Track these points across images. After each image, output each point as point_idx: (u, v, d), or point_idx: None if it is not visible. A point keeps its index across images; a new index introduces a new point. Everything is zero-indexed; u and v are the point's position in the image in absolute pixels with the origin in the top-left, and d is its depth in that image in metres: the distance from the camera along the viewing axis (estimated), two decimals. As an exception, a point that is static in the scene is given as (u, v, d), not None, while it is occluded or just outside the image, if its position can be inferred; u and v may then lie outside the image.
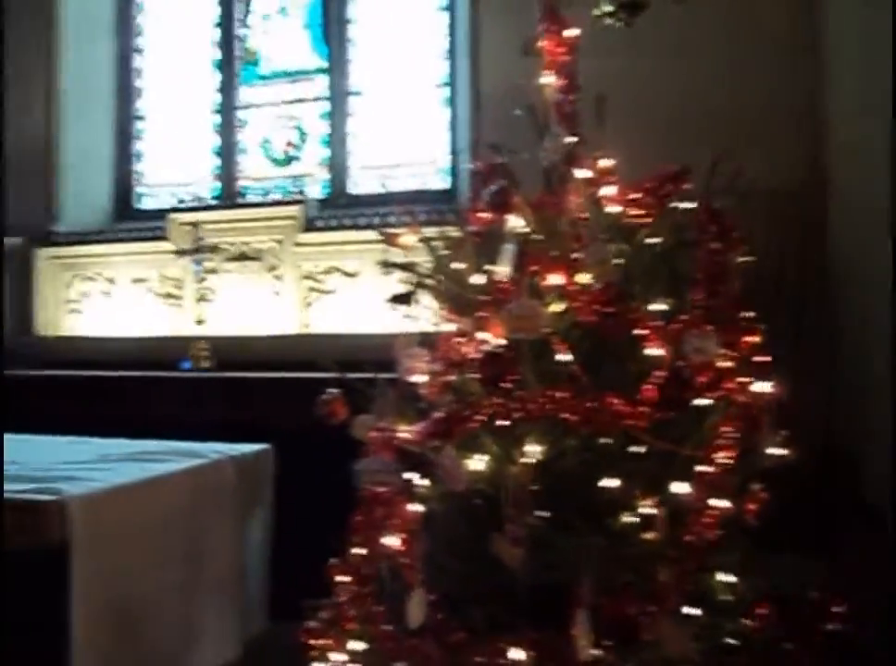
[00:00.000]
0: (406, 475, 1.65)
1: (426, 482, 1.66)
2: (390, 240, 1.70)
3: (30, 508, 1.59)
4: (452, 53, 4.15)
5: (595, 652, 1.29)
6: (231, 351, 3.80)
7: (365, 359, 3.52)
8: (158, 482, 1.93)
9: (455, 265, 1.55)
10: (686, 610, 1.41)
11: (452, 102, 4.16)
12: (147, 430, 2.82)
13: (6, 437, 2.71)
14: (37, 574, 1.72)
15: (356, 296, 3.92)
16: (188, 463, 2.08)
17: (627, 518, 1.36)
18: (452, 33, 4.15)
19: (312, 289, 4.01)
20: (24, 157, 4.58)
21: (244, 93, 4.65)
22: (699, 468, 1.38)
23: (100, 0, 4.80)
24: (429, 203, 4.06)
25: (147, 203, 4.80)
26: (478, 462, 1.48)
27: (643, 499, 1.35)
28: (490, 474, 1.48)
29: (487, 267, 1.49)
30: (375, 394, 1.77)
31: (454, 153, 4.12)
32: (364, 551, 1.76)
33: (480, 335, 1.39)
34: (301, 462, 2.74)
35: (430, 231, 1.95)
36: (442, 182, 4.20)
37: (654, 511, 1.34)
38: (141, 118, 4.88)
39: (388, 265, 1.74)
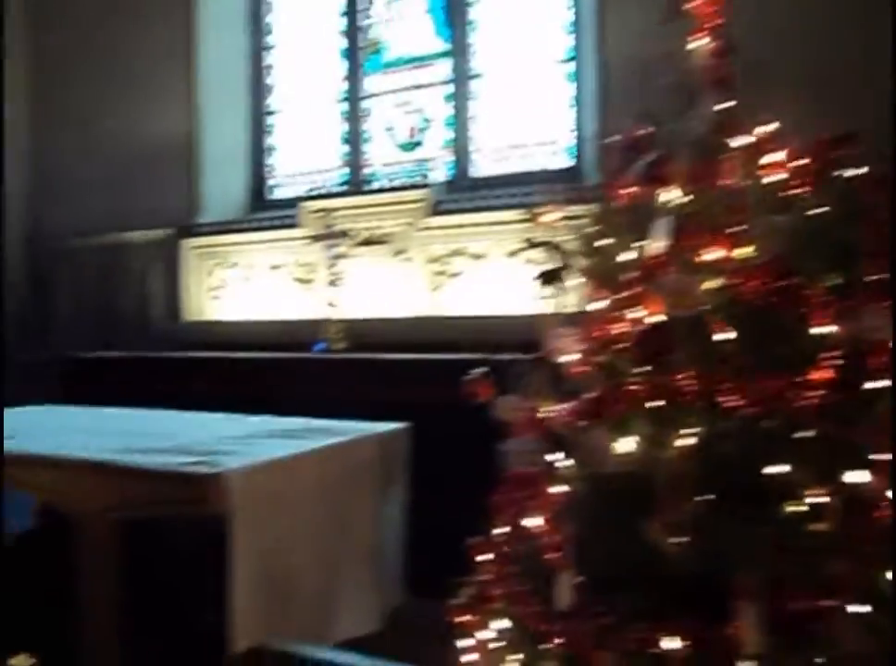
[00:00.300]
0: (551, 456, 1.63)
1: (571, 463, 1.63)
2: (534, 219, 1.66)
3: (193, 480, 1.70)
4: (576, 25, 4.04)
5: (761, 647, 1.23)
6: (363, 333, 3.91)
7: (496, 340, 3.56)
8: (307, 457, 2.02)
9: (603, 242, 1.51)
10: (857, 607, 1.32)
11: (576, 77, 4.05)
12: (284, 409, 2.95)
13: (163, 412, 2.93)
14: (197, 542, 1.83)
15: (483, 278, 3.92)
16: (332, 440, 2.16)
17: (794, 507, 1.28)
18: (576, 5, 4.04)
19: (439, 272, 4.05)
20: (168, 154, 4.90)
21: (369, 82, 4.74)
22: (876, 456, 1.28)
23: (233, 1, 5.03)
24: (552, 183, 4.01)
25: (280, 193, 5.01)
26: (628, 444, 1.44)
27: (813, 486, 1.27)
28: (641, 457, 1.44)
29: (637, 243, 1.44)
30: (517, 374, 1.76)
31: (579, 129, 4.02)
32: (507, 531, 1.75)
33: (632, 313, 1.34)
34: (435, 441, 2.78)
35: (571, 210, 1.90)
36: (566, 161, 4.12)
37: (826, 499, 1.25)
38: (272, 113, 5.08)
39: (534, 245, 1.69)
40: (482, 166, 4.37)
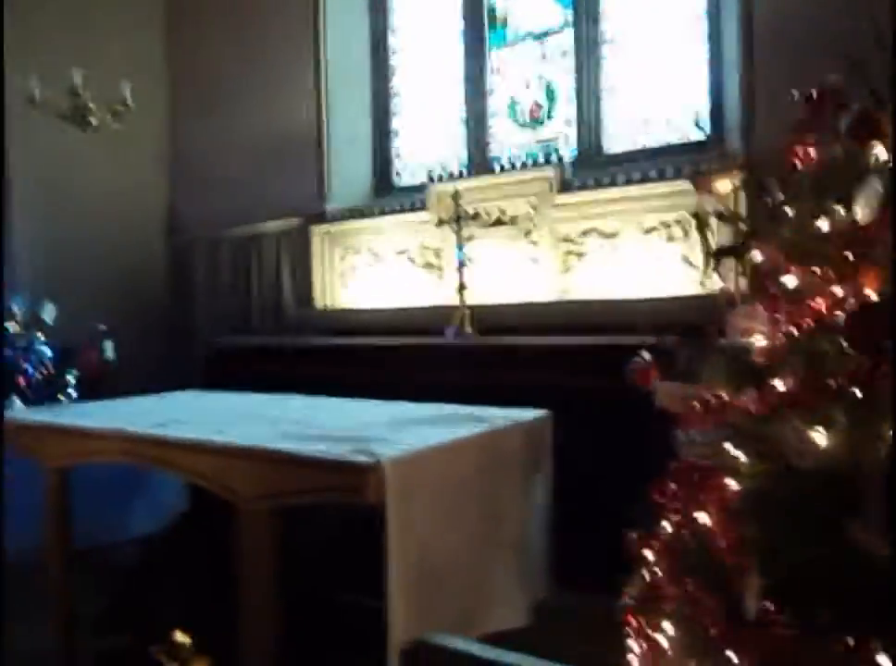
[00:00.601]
0: (728, 448, 1.48)
1: (751, 457, 1.48)
2: (701, 187, 1.51)
3: (351, 468, 1.68)
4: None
5: None
6: (492, 318, 3.83)
7: (630, 323, 3.39)
8: (460, 446, 1.96)
9: (792, 209, 1.34)
10: None
11: (714, 37, 3.77)
12: (418, 395, 2.92)
13: (307, 398, 2.98)
14: (353, 531, 1.81)
15: (617, 258, 3.75)
16: (481, 428, 2.09)
17: None
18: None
19: (570, 253, 3.90)
20: (296, 143, 4.99)
21: (491, 59, 4.63)
22: None
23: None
24: (691, 154, 3.76)
25: (404, 177, 5.01)
26: (828, 438, 1.28)
27: None
28: (843, 452, 1.27)
29: (836, 209, 1.27)
30: (684, 358, 1.62)
31: (718, 93, 3.73)
32: (675, 526, 1.63)
33: (839, 289, 1.18)
34: (575, 428, 2.67)
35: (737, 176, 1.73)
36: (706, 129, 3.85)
37: None
38: (395, 96, 5.07)
39: (707, 216, 1.54)
40: (613, 139, 4.17)
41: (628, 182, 3.68)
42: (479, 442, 2.04)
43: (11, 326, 3.75)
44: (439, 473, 1.87)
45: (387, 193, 4.97)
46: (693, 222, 2.89)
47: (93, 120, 4.33)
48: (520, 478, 2.27)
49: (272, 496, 1.87)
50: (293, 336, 4.74)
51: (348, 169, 4.99)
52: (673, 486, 1.67)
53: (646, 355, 1.60)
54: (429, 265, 4.41)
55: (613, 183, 3.79)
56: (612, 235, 3.78)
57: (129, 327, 4.63)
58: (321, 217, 4.86)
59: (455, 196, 3.92)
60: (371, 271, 4.72)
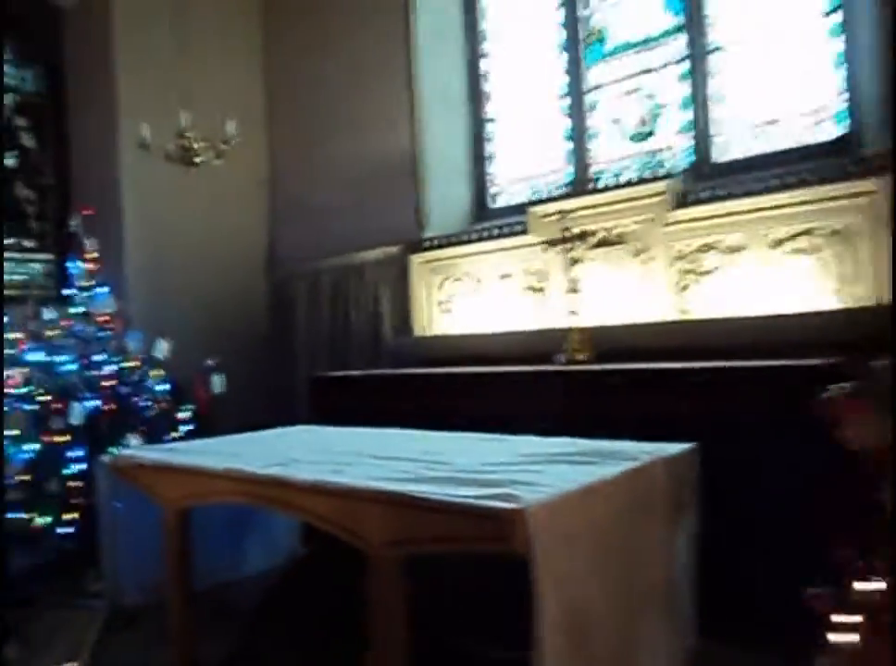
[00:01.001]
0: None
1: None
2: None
3: (492, 515, 1.53)
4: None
5: None
6: (605, 342, 3.63)
7: (757, 343, 3.12)
8: (602, 486, 1.78)
9: None
10: None
11: (846, 29, 3.47)
12: (530, 426, 2.74)
13: (413, 433, 2.85)
14: (493, 580, 1.66)
15: (741, 274, 3.49)
16: (622, 465, 1.91)
17: None
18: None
19: (687, 271, 3.67)
20: (394, 171, 4.97)
21: (591, 74, 4.48)
22: None
23: (447, 13, 5.00)
24: (819, 158, 3.48)
25: (502, 201, 4.89)
26: None
27: None
28: None
29: None
30: (868, 384, 1.40)
31: (852, 91, 3.44)
32: (876, 587, 1.40)
33: None
34: (716, 462, 2.43)
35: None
36: (833, 131, 3.56)
37: None
38: (491, 120, 4.99)
39: None
40: (728, 147, 3.92)
41: (753, 192, 3.43)
42: (624, 481, 1.86)
43: (127, 363, 3.82)
44: (585, 516, 1.70)
45: (485, 218, 4.86)
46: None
47: (198, 159, 4.42)
48: (663, 517, 2.07)
49: (404, 543, 1.74)
50: (393, 365, 4.67)
51: (446, 195, 4.92)
52: (862, 537, 1.44)
53: (841, 385, 1.38)
54: (534, 289, 4.25)
55: (736, 194, 3.53)
56: (735, 249, 3.52)
57: (232, 361, 4.67)
58: (420, 245, 4.79)
59: (560, 217, 3.76)
60: (473, 298, 4.60)
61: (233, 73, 5.66)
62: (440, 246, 4.73)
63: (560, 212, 3.73)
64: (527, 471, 1.87)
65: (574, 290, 3.71)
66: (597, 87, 4.45)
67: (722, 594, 2.33)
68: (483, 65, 5.00)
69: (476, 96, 5.00)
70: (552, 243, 3.82)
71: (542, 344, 3.85)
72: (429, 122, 4.89)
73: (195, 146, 4.40)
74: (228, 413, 4.12)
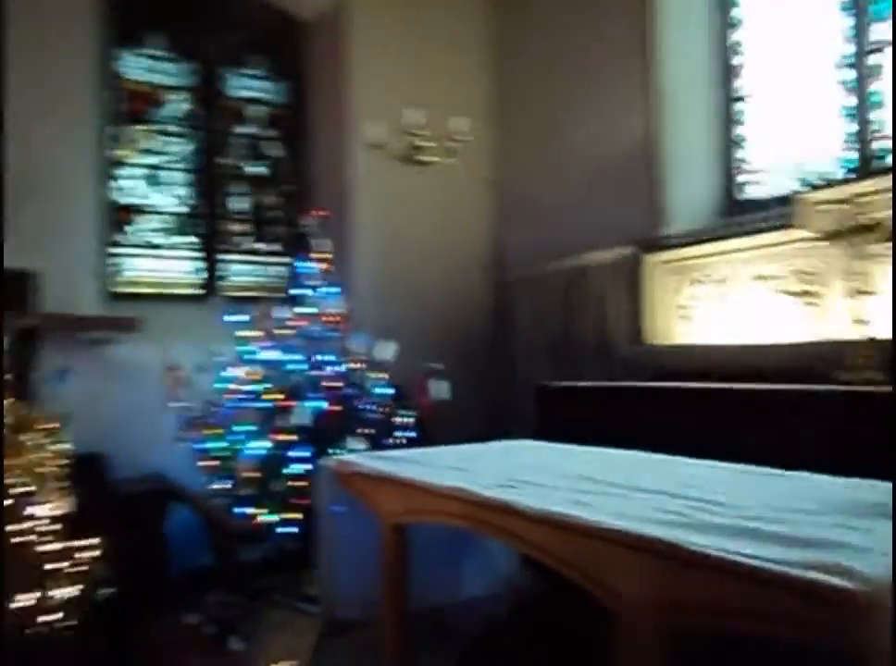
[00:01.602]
0: None
1: None
2: None
3: (817, 592, 1.07)
4: None
5: None
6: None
7: None
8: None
9: None
10: None
11: None
12: (795, 457, 2.20)
13: (664, 459, 2.42)
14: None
15: None
16: None
17: None
18: None
19: None
20: (627, 164, 4.52)
21: (872, 34, 3.71)
22: None
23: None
24: None
25: (756, 192, 4.24)
26: None
27: None
28: None
29: None
30: None
31: None
32: None
33: None
34: None
35: None
36: None
37: None
38: (741, 99, 4.36)
39: None
40: None
41: None
42: None
43: (353, 365, 3.75)
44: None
45: (737, 211, 4.24)
46: None
47: (429, 159, 4.32)
48: None
49: (671, 609, 1.33)
50: (623, 376, 4.21)
51: (688, 187, 4.38)
52: None
53: None
54: (799, 294, 3.58)
55: None
56: None
57: (453, 366, 4.49)
58: (657, 243, 4.28)
59: (843, 205, 3.08)
60: (720, 303, 4.00)
61: (463, 74, 5.55)
62: (681, 245, 4.19)
63: (844, 199, 3.06)
64: (845, 526, 1.37)
65: (861, 293, 3.02)
66: (878, 49, 3.66)
67: None
68: (733, 34, 4.38)
69: (724, 72, 4.40)
70: (834, 237, 3.14)
71: (815, 359, 3.19)
72: (668, 105, 4.38)
73: (427, 145, 4.29)
74: (448, 422, 3.92)
